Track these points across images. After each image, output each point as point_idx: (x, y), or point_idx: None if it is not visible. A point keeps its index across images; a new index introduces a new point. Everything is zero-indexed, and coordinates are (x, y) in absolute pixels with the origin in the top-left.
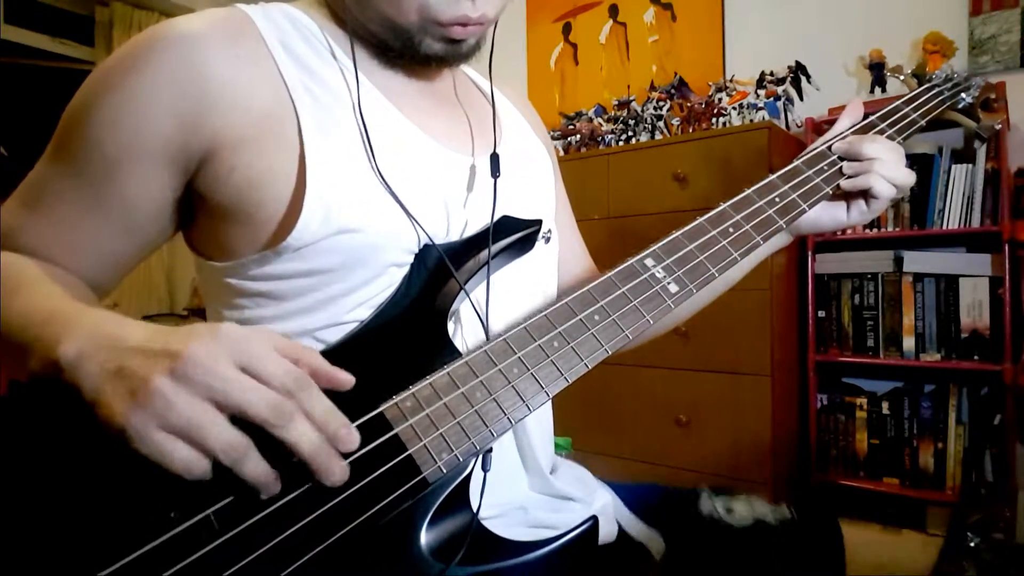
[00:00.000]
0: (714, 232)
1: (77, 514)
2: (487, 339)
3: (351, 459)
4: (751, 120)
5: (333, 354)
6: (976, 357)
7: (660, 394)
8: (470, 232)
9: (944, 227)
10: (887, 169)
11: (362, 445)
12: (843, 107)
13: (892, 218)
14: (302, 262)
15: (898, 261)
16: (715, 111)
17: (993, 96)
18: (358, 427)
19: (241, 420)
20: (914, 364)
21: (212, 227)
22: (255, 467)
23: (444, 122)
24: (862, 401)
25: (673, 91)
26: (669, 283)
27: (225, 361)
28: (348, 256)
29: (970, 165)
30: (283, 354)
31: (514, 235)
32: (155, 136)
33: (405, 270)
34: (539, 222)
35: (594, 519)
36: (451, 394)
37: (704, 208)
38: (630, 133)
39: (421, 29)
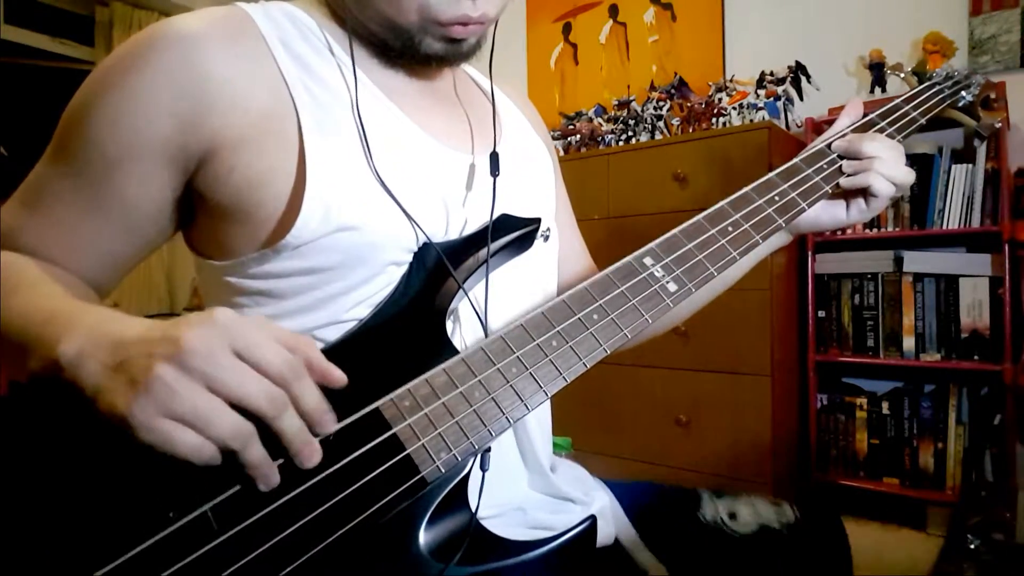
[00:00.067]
0: (713, 231)
1: (75, 513)
2: (486, 338)
3: (349, 459)
4: (751, 120)
5: (332, 352)
6: (976, 357)
7: (660, 394)
8: (469, 231)
9: (944, 227)
10: (887, 167)
11: (360, 444)
12: (843, 107)
13: (892, 218)
14: (301, 260)
15: (898, 261)
16: (715, 111)
17: (993, 95)
18: (356, 425)
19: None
20: (914, 364)
21: (212, 226)
22: (259, 454)
23: (444, 121)
24: (862, 401)
25: (673, 91)
26: (668, 282)
27: (223, 348)
28: (347, 254)
29: (970, 165)
30: (280, 343)
31: (513, 233)
32: (155, 136)
33: (404, 269)
34: (538, 220)
35: (592, 519)
36: (449, 393)
37: (704, 208)
38: (630, 133)
39: (421, 29)
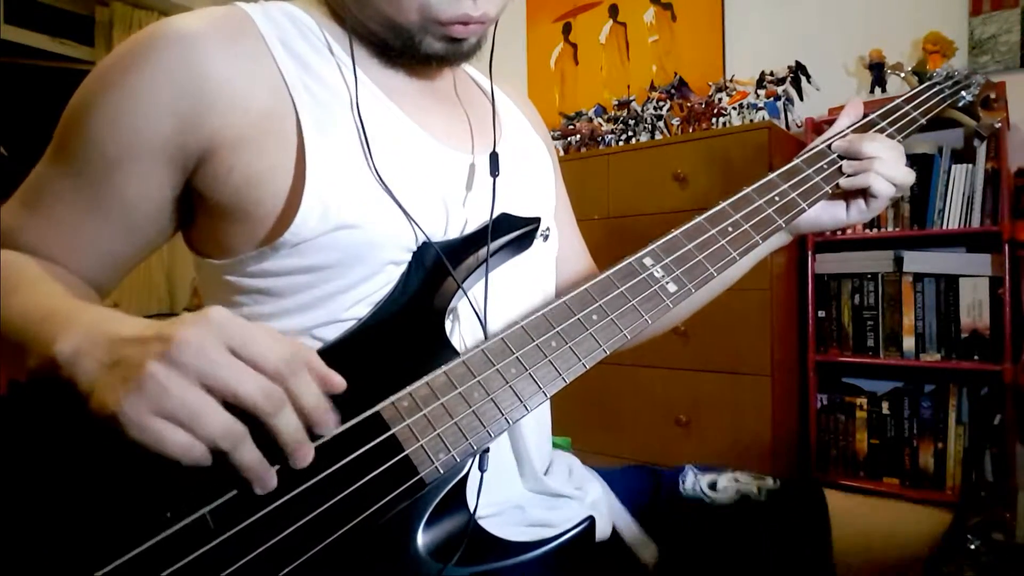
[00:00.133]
0: (713, 231)
1: (73, 514)
2: (485, 337)
3: (349, 459)
4: (751, 120)
5: (330, 352)
6: (976, 357)
7: (660, 394)
8: (469, 230)
9: (944, 227)
10: (887, 168)
11: (359, 445)
12: (843, 107)
13: (892, 218)
14: (300, 258)
15: (898, 261)
16: (715, 111)
17: (993, 95)
18: (355, 427)
19: (231, 407)
20: (914, 364)
21: (211, 225)
22: (251, 455)
23: (444, 120)
24: (862, 401)
25: (673, 91)
26: (668, 282)
27: (217, 345)
28: (346, 253)
29: (970, 165)
30: (277, 340)
31: (512, 233)
32: (154, 135)
33: (403, 268)
34: (537, 220)
35: (590, 520)
36: (448, 394)
37: (704, 208)
38: (630, 133)
39: (422, 28)
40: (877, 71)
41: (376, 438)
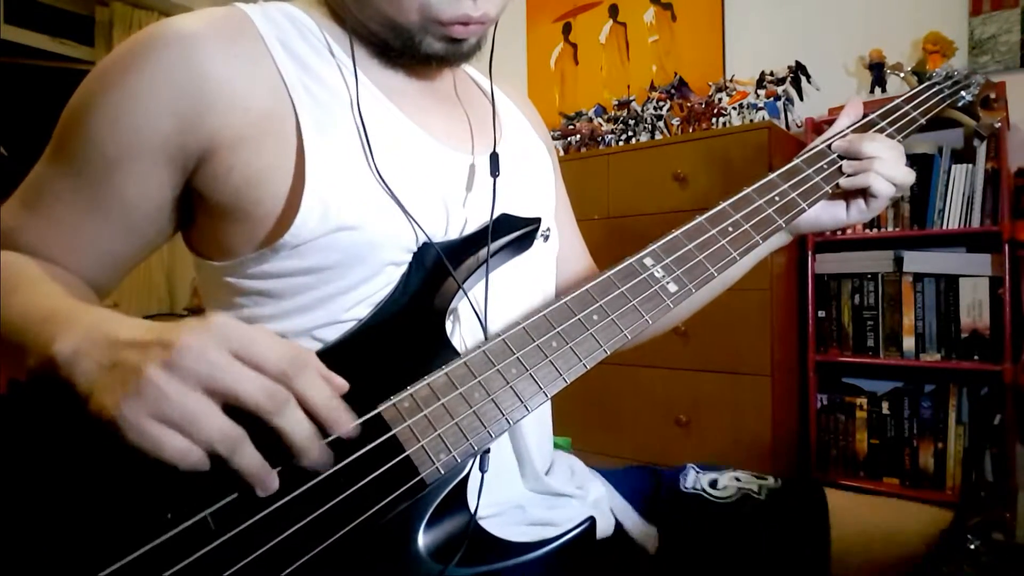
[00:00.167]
0: (713, 231)
1: (74, 515)
2: (485, 338)
3: (349, 460)
4: (751, 120)
5: (331, 353)
6: (976, 357)
7: (660, 394)
8: (469, 231)
9: (944, 227)
10: (887, 168)
11: (360, 446)
12: (843, 107)
13: (892, 218)
14: (300, 259)
15: (898, 261)
16: (715, 111)
17: (993, 95)
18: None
19: (235, 411)
20: (914, 364)
21: (211, 226)
22: (249, 459)
23: (444, 121)
24: (862, 401)
25: (673, 91)
26: (668, 283)
27: (218, 348)
28: (346, 254)
29: (970, 165)
30: (279, 343)
31: (513, 233)
32: (153, 135)
33: (403, 268)
34: (538, 220)
35: (592, 519)
36: (449, 395)
37: (704, 208)
38: (630, 133)
39: (422, 28)
40: (877, 71)
41: (377, 439)
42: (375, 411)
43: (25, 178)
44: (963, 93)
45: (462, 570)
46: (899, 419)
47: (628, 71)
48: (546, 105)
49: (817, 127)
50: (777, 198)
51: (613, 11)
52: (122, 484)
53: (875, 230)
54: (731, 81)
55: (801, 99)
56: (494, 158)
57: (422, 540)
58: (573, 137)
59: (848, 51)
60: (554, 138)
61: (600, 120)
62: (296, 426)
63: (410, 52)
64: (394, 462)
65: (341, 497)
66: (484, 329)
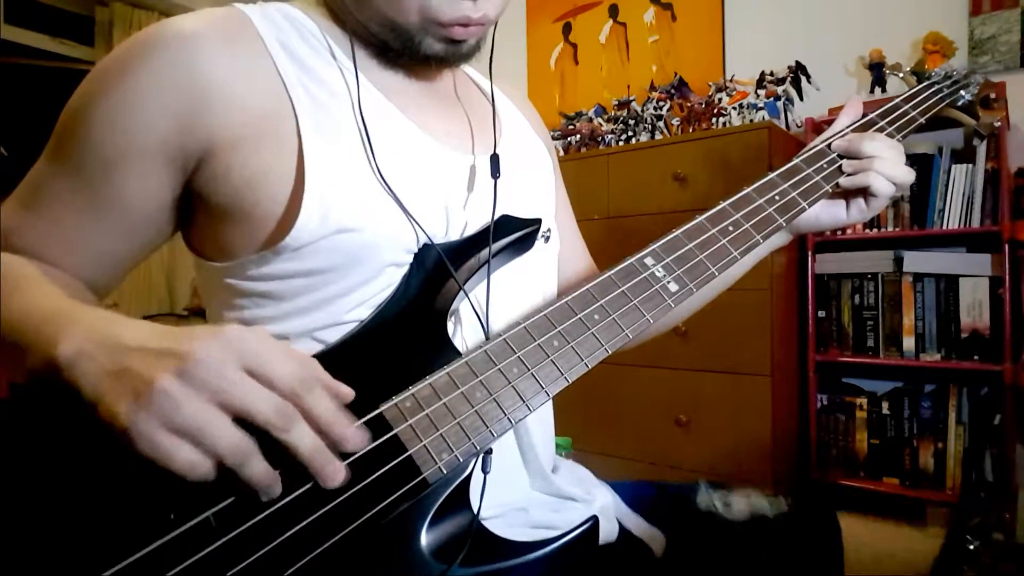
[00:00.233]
0: (713, 231)
1: (77, 516)
2: (487, 338)
3: (350, 461)
4: (751, 120)
5: (332, 354)
6: (976, 357)
7: (660, 394)
8: (470, 232)
9: (944, 227)
10: (886, 167)
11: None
12: (843, 107)
13: (892, 218)
14: (301, 262)
15: (898, 261)
16: (715, 111)
17: (993, 95)
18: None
19: (242, 421)
20: (914, 364)
21: (211, 227)
22: (259, 469)
23: (444, 121)
24: (862, 401)
25: (673, 91)
26: (669, 282)
27: (231, 363)
28: (347, 256)
29: (970, 165)
30: (289, 357)
31: (514, 234)
32: (152, 136)
33: (404, 270)
34: (538, 221)
35: (594, 519)
36: (451, 394)
37: (704, 208)
38: (630, 133)
39: (422, 29)
40: (877, 71)
41: (379, 439)
42: (377, 411)
43: (24, 178)
44: (962, 92)
45: (465, 570)
46: (899, 419)
47: (628, 71)
48: (546, 105)
49: (817, 127)
50: (777, 197)
51: (613, 11)
52: (125, 485)
53: (875, 230)
54: (731, 81)
55: (801, 99)
56: (495, 159)
57: (425, 540)
58: (573, 137)
59: (848, 51)
60: (554, 138)
61: (600, 120)
62: (303, 442)
63: (410, 53)
64: (396, 462)
65: (343, 497)
66: (485, 329)
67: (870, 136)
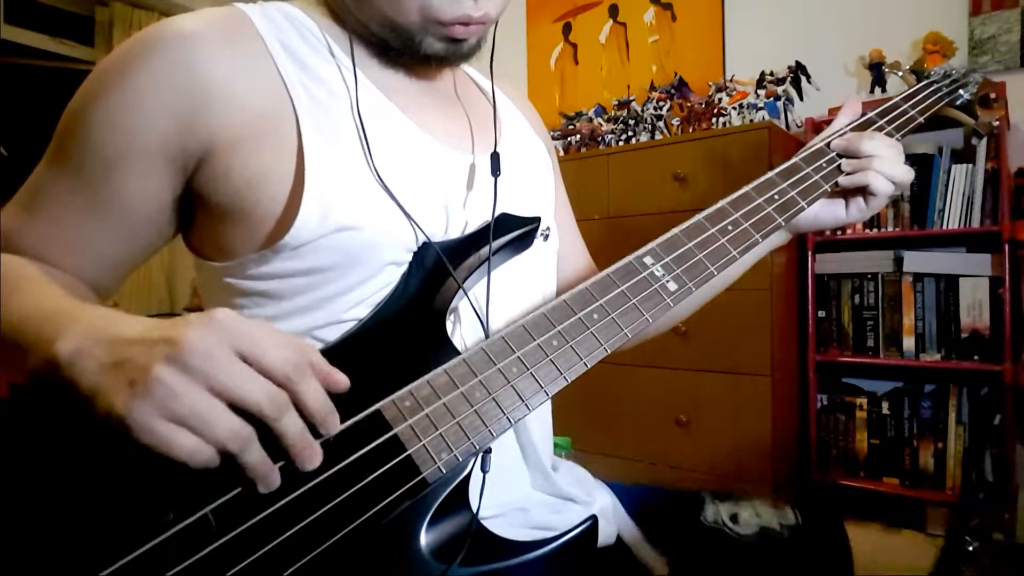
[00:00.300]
0: (713, 230)
1: (76, 515)
2: (486, 337)
3: (351, 459)
4: (751, 120)
5: (331, 353)
6: (976, 357)
7: (660, 394)
8: (470, 231)
9: (944, 227)
10: (886, 166)
11: (361, 445)
12: (842, 107)
13: (892, 218)
14: (300, 261)
15: (898, 261)
16: (715, 111)
17: (993, 94)
18: (357, 427)
19: (236, 408)
20: (914, 364)
21: (211, 227)
22: (257, 456)
23: (444, 121)
24: (862, 401)
25: (673, 91)
26: (668, 281)
27: (223, 348)
28: (346, 254)
29: (970, 165)
30: (283, 343)
31: (513, 232)
32: (152, 136)
33: (404, 268)
34: (538, 219)
35: (594, 519)
36: (450, 394)
37: (704, 208)
38: (630, 133)
39: (422, 28)
40: (877, 71)
41: (378, 438)
42: (374, 407)
43: (25, 179)
44: (961, 92)
45: (464, 570)
46: (899, 419)
47: (628, 71)
48: (546, 105)
49: (817, 127)
50: (776, 196)
51: (613, 11)
52: (123, 484)
53: (875, 230)
54: (731, 81)
55: (801, 99)
56: (495, 157)
57: (424, 540)
58: (573, 137)
59: (848, 51)
60: (554, 138)
61: (600, 120)
62: (292, 429)
63: (410, 52)
64: (395, 461)
65: (343, 497)
66: (485, 328)
67: (869, 135)
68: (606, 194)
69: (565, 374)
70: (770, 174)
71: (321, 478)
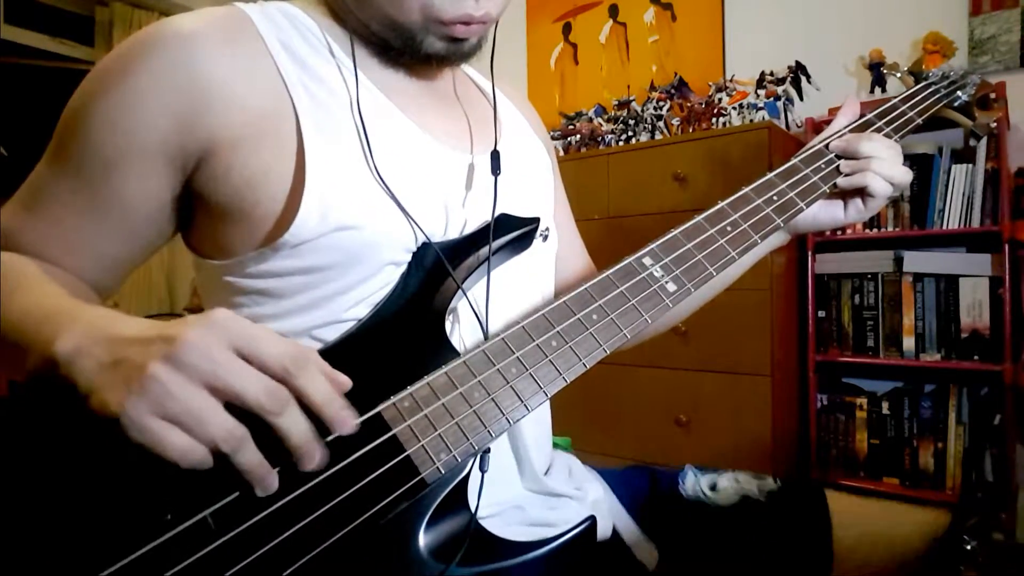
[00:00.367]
0: (712, 231)
1: (75, 516)
2: (485, 337)
3: (350, 460)
4: (751, 120)
5: (331, 352)
6: (976, 357)
7: (660, 394)
8: (469, 230)
9: (944, 227)
10: (884, 167)
11: (360, 446)
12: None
13: (892, 218)
14: (300, 259)
15: (898, 261)
16: (715, 111)
17: (993, 95)
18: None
19: (235, 408)
20: (914, 364)
21: (211, 226)
22: (252, 457)
23: (444, 120)
24: (862, 401)
25: (673, 91)
26: (667, 282)
27: (221, 346)
28: (346, 254)
29: (970, 165)
30: (282, 340)
31: (512, 233)
32: (152, 136)
33: (403, 268)
34: (537, 220)
35: (592, 519)
36: (449, 394)
37: (704, 208)
38: (630, 133)
39: (423, 28)
40: (877, 71)
41: (377, 439)
42: (375, 411)
43: (25, 178)
44: (959, 93)
45: (463, 570)
46: (899, 419)
47: (628, 71)
48: (546, 105)
49: (817, 127)
50: (775, 198)
51: (613, 11)
52: (123, 485)
53: (875, 230)
54: (731, 81)
55: (801, 99)
56: (495, 156)
57: (423, 540)
58: (573, 137)
59: (848, 51)
60: (554, 138)
61: (600, 120)
62: (294, 427)
63: (411, 51)
64: (394, 462)
65: (342, 497)
66: (484, 329)
67: (868, 136)
68: (606, 194)
69: (564, 375)
70: (769, 175)
71: (320, 478)
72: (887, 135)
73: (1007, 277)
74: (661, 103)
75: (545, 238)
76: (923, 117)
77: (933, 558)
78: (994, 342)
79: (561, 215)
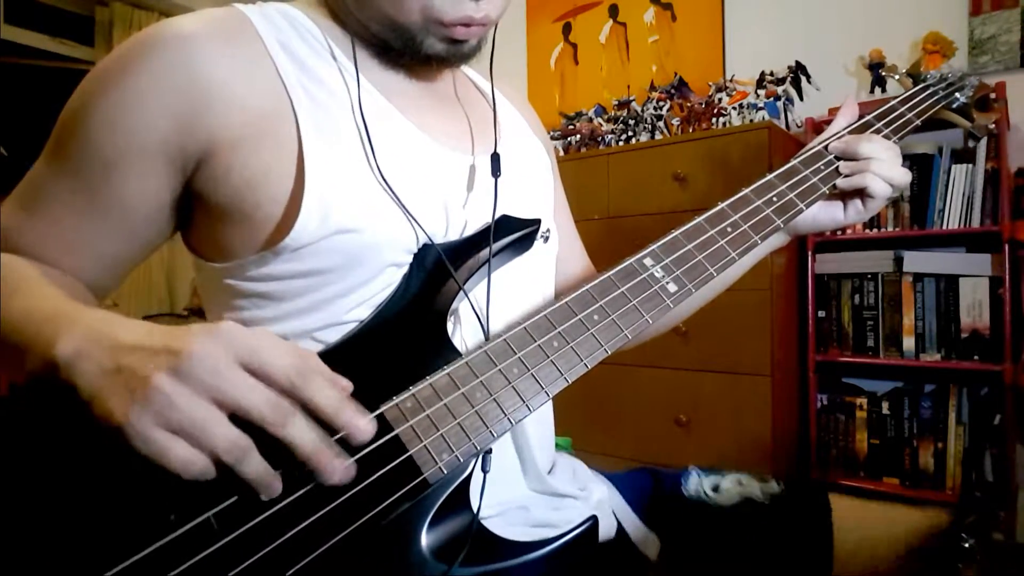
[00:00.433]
0: (712, 232)
1: (78, 517)
2: (486, 339)
3: (351, 461)
4: (751, 120)
5: (332, 354)
6: (976, 357)
7: (660, 394)
8: (469, 232)
9: (944, 227)
10: (883, 168)
11: (362, 446)
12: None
13: (892, 218)
14: (301, 262)
15: (898, 261)
16: (715, 111)
17: (993, 96)
18: None
19: (240, 418)
20: (914, 364)
21: (211, 228)
22: (256, 467)
23: (444, 122)
24: (862, 401)
25: (673, 91)
26: (668, 283)
27: (226, 358)
28: (347, 256)
29: (970, 165)
30: (286, 350)
31: (513, 234)
32: (151, 137)
33: (404, 270)
34: (538, 221)
35: (594, 519)
36: (451, 395)
37: (704, 208)
38: (630, 133)
39: (423, 29)
40: (877, 71)
41: (380, 439)
42: (377, 411)
43: (22, 179)
44: (957, 95)
45: (465, 570)
46: (899, 419)
47: (628, 71)
48: (546, 105)
49: (817, 127)
50: (775, 199)
51: (613, 11)
52: (125, 486)
53: (875, 230)
54: (731, 81)
55: (801, 99)
56: (495, 158)
57: (425, 540)
58: (573, 137)
59: (848, 51)
60: (554, 138)
61: (600, 120)
62: (302, 436)
63: (411, 52)
64: (397, 462)
65: (344, 498)
66: (485, 330)
67: (867, 138)
68: (606, 194)
69: (566, 375)
70: (769, 176)
71: None
72: (886, 136)
73: (1007, 277)
74: (661, 103)
75: (546, 239)
76: (921, 119)
77: (932, 557)
78: (994, 342)
79: (561, 216)
